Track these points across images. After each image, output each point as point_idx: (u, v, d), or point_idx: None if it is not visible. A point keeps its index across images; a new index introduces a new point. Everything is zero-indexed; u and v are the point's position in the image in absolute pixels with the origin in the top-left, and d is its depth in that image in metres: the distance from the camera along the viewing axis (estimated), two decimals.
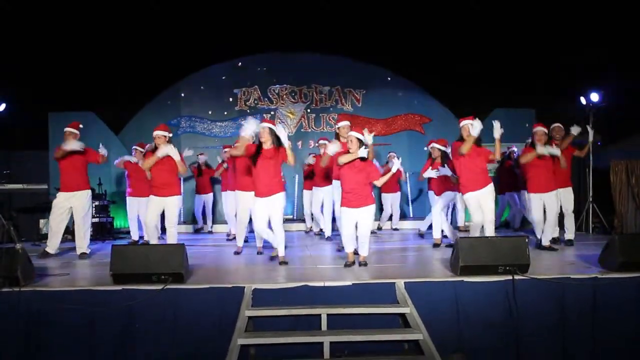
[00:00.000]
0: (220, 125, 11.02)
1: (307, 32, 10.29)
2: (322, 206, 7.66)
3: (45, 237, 6.49)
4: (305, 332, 4.11)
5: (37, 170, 8.98)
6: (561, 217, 6.72)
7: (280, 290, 4.40)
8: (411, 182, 10.72)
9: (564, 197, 6.59)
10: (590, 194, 8.08)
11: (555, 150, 6.08)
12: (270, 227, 5.61)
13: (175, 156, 5.73)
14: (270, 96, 11.22)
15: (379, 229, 9.41)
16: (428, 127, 11.21)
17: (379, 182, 5.31)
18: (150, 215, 5.80)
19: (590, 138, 6.87)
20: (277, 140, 5.38)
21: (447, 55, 10.50)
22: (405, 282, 4.44)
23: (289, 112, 11.22)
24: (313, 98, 11.28)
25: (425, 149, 7.82)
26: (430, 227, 7.09)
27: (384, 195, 9.18)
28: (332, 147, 5.69)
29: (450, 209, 8.23)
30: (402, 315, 4.30)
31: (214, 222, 9.59)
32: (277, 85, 11.23)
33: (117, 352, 4.16)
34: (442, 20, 10.15)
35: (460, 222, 8.53)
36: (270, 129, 5.38)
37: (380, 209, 9.20)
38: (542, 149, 6.04)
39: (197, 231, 9.48)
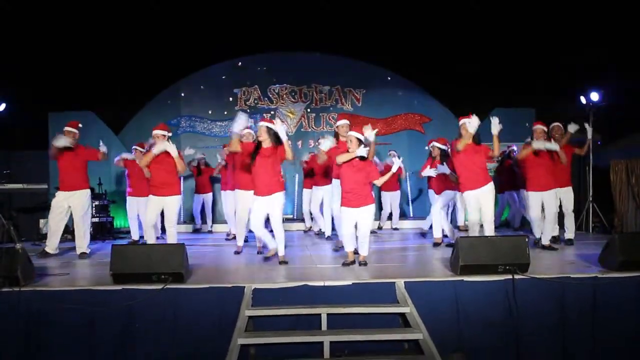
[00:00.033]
0: (220, 125, 11.02)
1: (307, 32, 10.28)
2: (321, 205, 7.65)
3: (45, 237, 6.49)
4: (305, 332, 4.11)
5: (37, 170, 8.98)
6: (561, 216, 6.72)
7: (280, 290, 4.40)
8: (411, 181, 10.72)
9: (564, 196, 6.59)
10: (590, 194, 8.08)
11: (553, 145, 6.06)
12: (267, 226, 5.61)
13: (173, 152, 5.70)
14: (270, 96, 11.22)
15: (380, 228, 9.41)
16: (428, 126, 11.21)
17: (378, 182, 5.31)
18: (149, 215, 5.80)
19: (589, 136, 6.86)
20: (275, 139, 5.38)
21: (447, 55, 10.50)
22: (405, 282, 4.45)
23: (289, 112, 11.22)
24: (313, 98, 11.29)
25: (426, 148, 7.82)
26: (432, 226, 7.09)
27: (383, 193, 9.18)
28: (326, 143, 5.70)
29: (450, 208, 8.22)
30: (402, 314, 4.30)
31: (213, 221, 9.58)
32: (277, 85, 11.23)
33: (117, 352, 4.16)
34: (442, 20, 10.15)
35: (461, 221, 8.53)
36: (267, 127, 5.39)
37: (379, 207, 9.19)
38: (538, 144, 6.04)
39: (195, 231, 9.45)
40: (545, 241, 6.25)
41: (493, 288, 4.44)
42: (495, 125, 5.47)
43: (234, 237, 7.49)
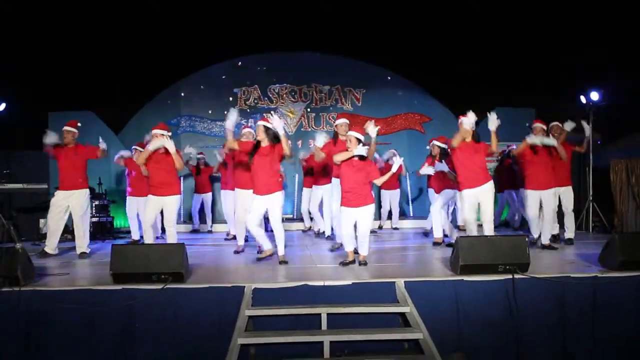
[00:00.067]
0: (220, 124, 11.00)
1: (307, 31, 10.29)
2: (321, 204, 7.64)
3: (45, 236, 6.49)
4: (305, 332, 4.11)
5: (37, 170, 8.96)
6: (561, 216, 6.72)
7: (280, 290, 4.40)
8: (411, 181, 10.72)
9: (564, 195, 6.59)
10: (591, 193, 8.08)
11: (550, 140, 6.04)
12: (267, 226, 5.61)
13: (171, 147, 5.68)
14: (270, 95, 11.22)
15: (380, 228, 9.40)
16: (428, 126, 11.22)
17: (378, 181, 5.31)
18: (148, 215, 5.79)
19: (587, 133, 6.81)
20: (273, 138, 5.38)
21: (447, 55, 10.50)
22: (405, 282, 4.45)
23: (289, 112, 11.23)
24: (313, 97, 11.29)
25: (427, 147, 7.83)
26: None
27: (383, 192, 9.16)
28: (320, 139, 5.70)
29: (451, 208, 8.22)
30: (402, 314, 4.30)
31: (213, 221, 9.58)
32: (277, 85, 11.23)
33: (117, 352, 4.16)
34: (442, 20, 10.15)
35: (461, 220, 8.52)
36: (265, 127, 5.39)
37: (378, 206, 9.19)
38: (534, 139, 6.04)
39: (192, 232, 9.36)
40: (545, 240, 6.25)
41: (493, 288, 4.44)
42: (493, 121, 5.43)
43: (233, 238, 7.49)
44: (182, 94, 11.09)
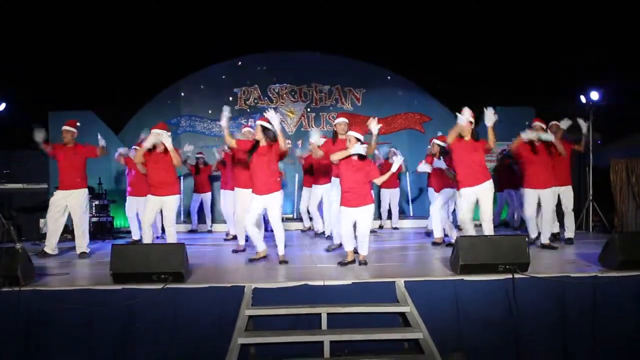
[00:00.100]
0: (220, 124, 10.99)
1: (307, 31, 10.29)
2: (321, 204, 7.63)
3: (45, 236, 6.49)
4: (306, 331, 4.11)
5: (37, 169, 8.97)
6: (561, 215, 6.71)
7: (280, 290, 4.40)
8: (411, 180, 10.72)
9: (564, 195, 6.57)
10: (591, 193, 8.08)
11: (548, 136, 6.02)
12: (267, 226, 5.60)
13: (168, 143, 5.67)
14: (270, 95, 11.23)
15: (381, 227, 9.39)
16: (428, 126, 11.22)
17: (378, 181, 5.30)
18: (147, 215, 5.80)
19: (584, 131, 6.76)
20: (272, 137, 5.38)
21: (447, 55, 10.50)
22: (405, 281, 4.45)
23: (289, 111, 11.23)
24: (313, 97, 11.29)
25: (429, 147, 7.82)
26: None
27: (382, 190, 9.15)
28: (315, 135, 5.70)
29: (451, 207, 8.20)
30: (402, 314, 4.30)
31: (213, 221, 9.57)
32: (277, 85, 11.24)
33: (117, 352, 4.16)
34: (442, 20, 10.15)
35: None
36: (263, 126, 5.39)
37: (378, 204, 9.18)
38: (529, 134, 6.03)
39: (190, 232, 9.31)
40: (545, 240, 6.24)
41: (493, 287, 4.44)
42: (490, 117, 5.36)
43: (233, 238, 7.49)
44: (182, 94, 11.10)
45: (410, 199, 10.90)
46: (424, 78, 11.17)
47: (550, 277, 4.49)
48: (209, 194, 9.35)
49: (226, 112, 5.42)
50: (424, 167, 6.82)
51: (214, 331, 4.19)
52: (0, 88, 8.84)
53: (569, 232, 6.70)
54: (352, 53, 10.97)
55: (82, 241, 6.25)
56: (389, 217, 9.44)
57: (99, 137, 6.45)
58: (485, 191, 5.54)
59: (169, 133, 5.85)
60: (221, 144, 9.01)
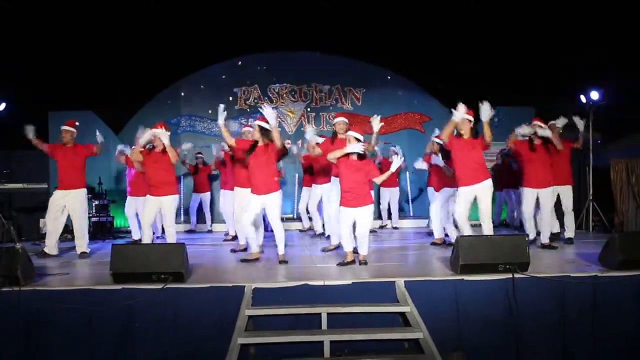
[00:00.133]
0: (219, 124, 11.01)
1: (307, 31, 10.29)
2: (320, 204, 7.61)
3: (45, 236, 6.49)
4: (306, 331, 4.11)
5: (37, 169, 8.98)
6: (561, 215, 6.71)
7: (280, 289, 4.40)
8: (411, 180, 10.72)
9: (563, 194, 6.56)
10: (591, 192, 8.08)
11: (544, 131, 6.01)
12: (267, 226, 5.60)
13: (165, 139, 5.66)
14: (270, 95, 11.23)
15: (383, 227, 9.37)
16: (428, 125, 11.20)
17: (378, 180, 5.30)
18: (147, 215, 5.81)
19: (581, 128, 6.72)
20: (269, 137, 5.37)
21: (447, 55, 10.50)
22: (405, 281, 4.44)
23: (289, 111, 11.23)
24: (313, 97, 11.30)
25: (428, 144, 7.81)
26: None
27: (382, 189, 9.14)
28: (309, 132, 5.68)
29: (452, 207, 8.18)
30: (402, 314, 4.30)
31: (213, 220, 9.57)
32: (277, 84, 11.24)
33: (117, 352, 4.16)
34: (442, 20, 10.15)
35: None
36: (260, 126, 5.39)
37: (378, 203, 9.17)
38: (524, 129, 6.04)
39: (189, 232, 9.30)
40: (545, 239, 6.24)
41: (493, 287, 4.44)
42: (485, 111, 5.29)
43: (233, 238, 7.48)
44: (182, 94, 11.10)
45: (410, 198, 10.90)
46: (424, 78, 11.17)
47: (550, 276, 4.49)
48: (208, 193, 9.35)
49: (220, 109, 5.36)
50: (420, 164, 6.81)
51: (214, 331, 4.19)
52: (0, 88, 8.84)
53: (569, 232, 6.70)
54: (352, 53, 10.97)
55: (81, 241, 6.25)
56: (389, 217, 9.44)
57: (97, 133, 6.45)
58: (484, 190, 5.49)
59: (169, 133, 5.86)
60: (220, 142, 8.99)
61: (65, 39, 9.58)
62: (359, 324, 4.23)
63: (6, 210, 8.00)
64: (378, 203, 9.23)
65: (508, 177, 8.41)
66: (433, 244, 6.69)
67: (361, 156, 5.24)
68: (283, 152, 5.60)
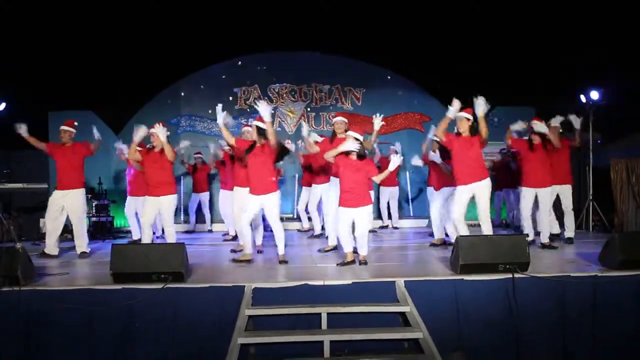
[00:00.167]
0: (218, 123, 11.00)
1: (307, 31, 10.29)
2: (320, 204, 7.59)
3: (45, 236, 6.50)
4: (306, 331, 4.11)
5: (37, 169, 8.99)
6: (561, 215, 6.71)
7: (280, 289, 4.40)
8: (411, 180, 10.72)
9: (562, 193, 6.55)
10: (591, 192, 8.08)
11: (540, 127, 5.99)
12: (266, 226, 5.60)
13: (162, 135, 5.67)
14: (270, 95, 11.22)
15: (386, 227, 9.35)
16: (428, 125, 11.15)
17: (377, 179, 5.31)
18: (146, 215, 5.82)
19: (577, 126, 6.71)
20: (266, 136, 5.37)
21: (447, 55, 10.50)
22: (405, 281, 4.44)
23: (289, 111, 11.23)
24: (313, 97, 11.29)
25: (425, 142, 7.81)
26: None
27: (382, 189, 9.14)
28: (304, 129, 5.67)
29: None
30: (402, 313, 4.30)
31: (212, 220, 9.56)
32: (277, 84, 11.23)
33: (117, 352, 4.17)
34: (442, 20, 10.15)
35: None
36: (258, 127, 5.40)
37: (377, 203, 9.16)
38: (516, 125, 6.07)
39: (187, 232, 9.28)
40: (544, 239, 6.23)
41: (493, 287, 4.44)
42: (480, 105, 5.25)
43: (233, 238, 7.48)
44: (182, 94, 11.10)
45: (410, 198, 10.90)
46: (424, 78, 11.16)
47: (550, 276, 4.49)
48: (207, 193, 9.33)
49: (218, 109, 5.35)
50: (416, 161, 6.81)
51: (214, 331, 4.19)
52: (0, 88, 8.84)
53: (569, 232, 6.69)
54: (352, 53, 10.96)
55: (81, 241, 6.25)
56: (389, 216, 9.43)
57: (94, 130, 6.45)
58: (482, 189, 5.46)
59: (168, 133, 5.87)
60: (220, 141, 8.96)
61: (65, 38, 9.58)
62: (359, 323, 4.23)
63: (6, 210, 8.01)
64: (378, 202, 9.23)
65: (507, 177, 8.41)
66: (432, 245, 6.66)
67: (361, 156, 5.24)
68: (283, 152, 5.60)
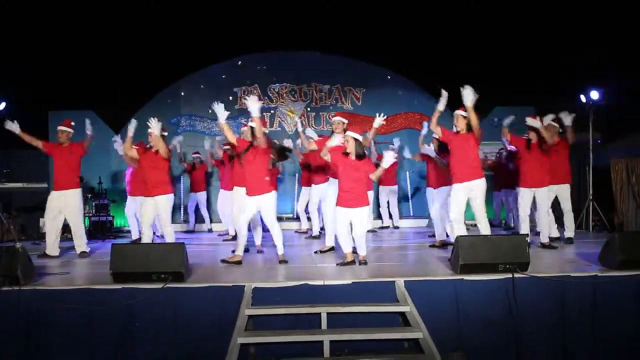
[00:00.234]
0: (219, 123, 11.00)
1: (306, 31, 10.30)
2: (319, 204, 7.58)
3: (45, 235, 6.50)
4: (305, 331, 4.11)
5: (37, 169, 8.98)
6: (561, 215, 6.70)
7: (280, 289, 4.39)
8: (411, 180, 10.72)
9: (560, 193, 6.54)
10: (591, 192, 8.08)
11: (533, 121, 6.01)
12: (265, 227, 5.60)
13: (156, 130, 5.66)
14: (270, 95, 11.22)
15: (387, 227, 9.34)
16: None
17: (373, 176, 5.31)
18: (145, 216, 5.82)
19: (568, 123, 6.57)
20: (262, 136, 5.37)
21: (447, 55, 10.50)
22: (405, 281, 4.44)
23: (289, 111, 11.23)
24: (313, 96, 11.29)
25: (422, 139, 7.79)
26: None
27: (381, 188, 9.13)
28: (299, 125, 5.72)
29: None
30: (402, 313, 4.30)
31: (212, 220, 9.56)
32: (277, 84, 11.23)
33: (117, 351, 4.16)
34: (442, 20, 10.16)
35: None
36: (251, 127, 5.41)
37: (377, 203, 9.15)
38: (508, 119, 6.27)
39: (186, 232, 9.27)
40: (544, 239, 6.23)
41: (493, 287, 4.44)
42: (468, 95, 5.21)
43: (233, 238, 7.46)
44: (182, 94, 11.10)
45: (410, 197, 10.90)
46: (424, 78, 11.16)
47: (550, 276, 4.49)
48: (204, 193, 9.31)
49: (216, 107, 5.27)
50: (407, 153, 6.82)
51: (214, 331, 4.19)
52: (0, 88, 8.84)
53: (569, 232, 6.68)
54: (352, 53, 10.96)
55: (80, 241, 6.26)
56: (390, 217, 9.43)
57: (87, 123, 6.44)
58: (478, 187, 5.44)
59: (166, 133, 5.87)
60: (217, 138, 8.91)
61: (65, 38, 9.59)
62: (358, 323, 4.23)
63: (6, 210, 8.01)
64: (377, 202, 9.22)
65: (506, 177, 8.40)
66: (432, 246, 6.64)
67: (360, 156, 5.24)
68: (283, 151, 5.61)
